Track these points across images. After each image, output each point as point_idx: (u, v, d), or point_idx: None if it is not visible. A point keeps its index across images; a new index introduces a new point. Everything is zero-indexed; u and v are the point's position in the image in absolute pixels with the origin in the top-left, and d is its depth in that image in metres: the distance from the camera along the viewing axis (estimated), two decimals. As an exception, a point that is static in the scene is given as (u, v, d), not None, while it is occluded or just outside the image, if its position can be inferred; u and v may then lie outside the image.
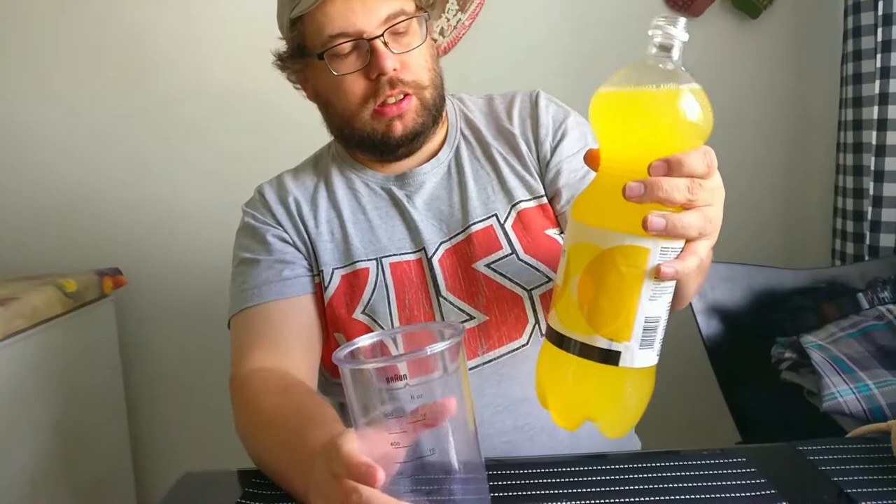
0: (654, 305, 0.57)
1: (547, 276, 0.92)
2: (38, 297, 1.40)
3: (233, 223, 1.74)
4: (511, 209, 0.95)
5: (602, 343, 0.57)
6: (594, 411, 0.62)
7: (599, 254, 0.56)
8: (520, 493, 0.67)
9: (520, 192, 0.95)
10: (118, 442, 1.72)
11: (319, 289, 0.94)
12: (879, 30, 1.43)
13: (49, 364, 1.46)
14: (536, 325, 0.91)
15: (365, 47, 0.87)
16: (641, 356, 0.58)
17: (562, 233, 0.95)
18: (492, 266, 0.92)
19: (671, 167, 0.55)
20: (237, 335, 0.93)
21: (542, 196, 0.96)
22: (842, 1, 1.56)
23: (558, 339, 0.60)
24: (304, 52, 0.91)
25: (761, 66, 1.71)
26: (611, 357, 0.58)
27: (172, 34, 1.68)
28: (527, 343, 0.91)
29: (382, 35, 0.86)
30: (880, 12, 1.42)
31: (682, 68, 0.57)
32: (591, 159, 0.61)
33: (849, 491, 0.64)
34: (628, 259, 0.56)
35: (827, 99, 1.69)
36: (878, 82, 1.43)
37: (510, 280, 0.91)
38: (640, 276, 0.56)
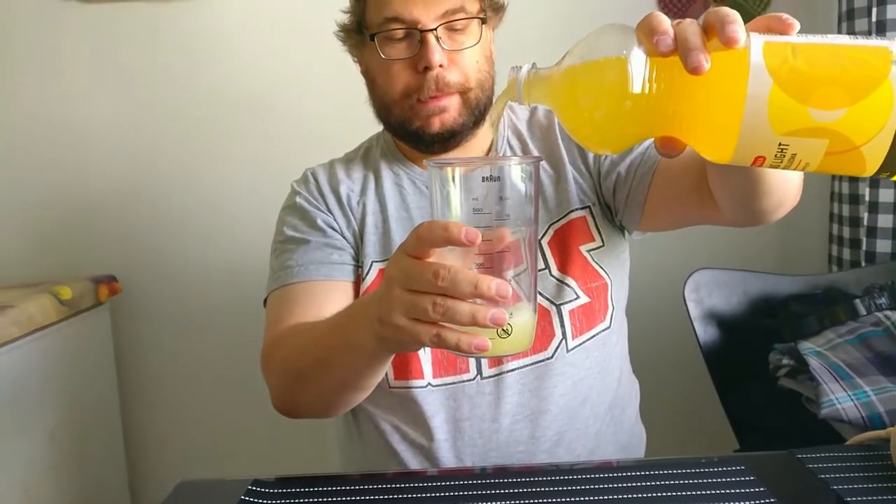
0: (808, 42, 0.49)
1: (576, 294, 0.92)
2: (33, 305, 1.40)
3: (230, 232, 1.75)
4: (549, 227, 0.95)
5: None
6: None
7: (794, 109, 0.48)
8: (523, 502, 0.67)
9: (557, 212, 0.95)
10: (113, 450, 1.71)
11: (359, 279, 0.94)
12: (874, 10, 1.43)
13: (44, 372, 1.45)
14: (563, 341, 0.91)
15: (417, 37, 0.87)
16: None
17: (597, 248, 0.95)
18: None
19: (660, 33, 0.50)
20: (275, 308, 0.92)
21: (578, 209, 0.95)
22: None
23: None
24: (361, 29, 0.92)
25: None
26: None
27: (171, 41, 1.68)
28: (551, 357, 0.91)
29: (436, 29, 0.86)
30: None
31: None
32: (673, 144, 0.54)
33: (848, 499, 0.64)
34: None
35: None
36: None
37: (539, 294, 0.91)
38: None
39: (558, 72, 0.55)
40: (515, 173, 0.57)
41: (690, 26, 0.49)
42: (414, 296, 0.55)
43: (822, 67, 0.48)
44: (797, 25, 0.49)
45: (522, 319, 0.58)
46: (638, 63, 0.51)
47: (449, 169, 0.57)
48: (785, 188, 0.72)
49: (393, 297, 0.57)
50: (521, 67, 0.57)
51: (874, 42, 0.49)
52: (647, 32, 0.50)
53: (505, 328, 0.57)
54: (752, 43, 0.48)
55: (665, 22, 0.50)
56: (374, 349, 0.66)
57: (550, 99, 0.56)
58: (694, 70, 0.47)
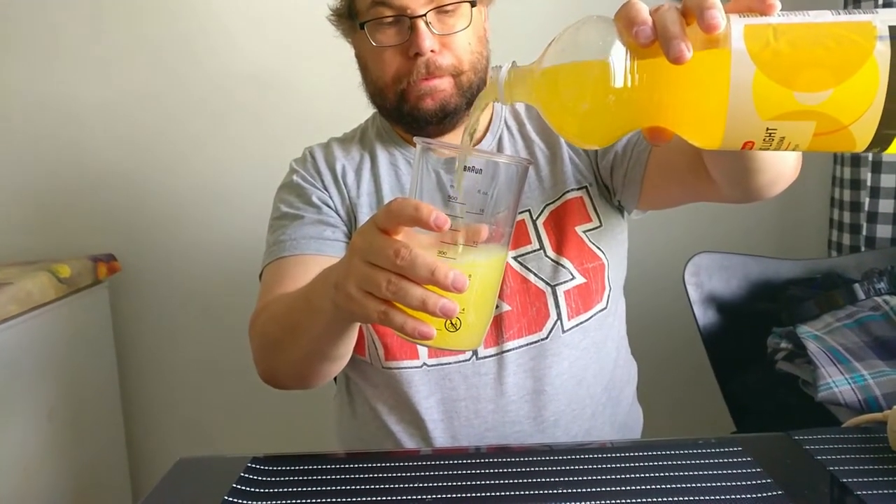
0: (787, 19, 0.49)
1: (572, 274, 0.92)
2: (31, 283, 1.40)
3: (229, 210, 1.75)
4: (544, 208, 0.95)
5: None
6: None
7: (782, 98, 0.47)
8: (518, 481, 0.67)
9: (552, 192, 0.95)
10: (112, 428, 1.72)
11: None
12: None
13: (42, 350, 1.45)
14: (558, 322, 0.91)
15: (407, 23, 0.87)
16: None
17: (594, 228, 0.95)
18: (518, 259, 0.92)
19: (639, 23, 0.48)
20: (267, 280, 0.93)
21: (574, 189, 0.95)
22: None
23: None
24: (352, 14, 0.92)
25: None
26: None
27: (169, 21, 1.67)
28: (546, 337, 0.91)
29: (426, 15, 0.85)
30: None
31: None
32: (661, 133, 0.53)
33: (844, 480, 0.64)
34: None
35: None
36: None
37: (534, 275, 0.92)
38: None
39: (539, 70, 0.54)
40: (499, 171, 0.56)
41: (669, 13, 0.48)
42: (371, 269, 0.55)
43: (804, 49, 0.47)
44: (778, 5, 0.48)
45: (474, 318, 0.57)
46: (618, 57, 0.50)
47: (433, 150, 0.57)
48: (780, 165, 0.72)
49: (352, 267, 0.57)
50: (500, 67, 0.56)
51: (857, 17, 0.47)
52: (625, 23, 0.49)
53: (454, 322, 0.56)
54: (733, 27, 0.47)
55: (643, 11, 0.49)
56: (332, 314, 0.65)
57: (533, 98, 0.55)
58: (675, 60, 0.46)
